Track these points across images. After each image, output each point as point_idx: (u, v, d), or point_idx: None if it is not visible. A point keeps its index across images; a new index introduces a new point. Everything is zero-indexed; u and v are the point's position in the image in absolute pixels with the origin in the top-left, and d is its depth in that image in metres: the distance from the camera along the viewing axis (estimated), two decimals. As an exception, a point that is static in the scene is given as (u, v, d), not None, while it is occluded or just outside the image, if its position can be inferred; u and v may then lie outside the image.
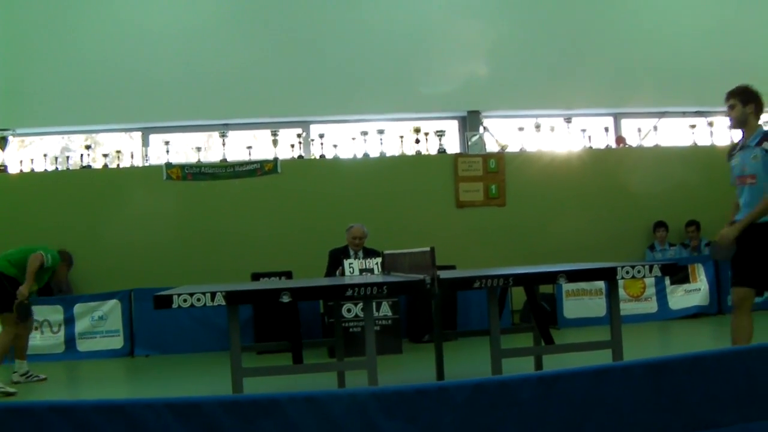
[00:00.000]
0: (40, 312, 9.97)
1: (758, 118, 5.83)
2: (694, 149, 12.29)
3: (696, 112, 12.71)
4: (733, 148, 5.99)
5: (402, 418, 2.02)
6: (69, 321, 10.07)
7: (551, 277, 5.63)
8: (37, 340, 9.88)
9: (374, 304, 9.12)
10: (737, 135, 6.05)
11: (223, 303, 5.23)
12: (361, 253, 9.66)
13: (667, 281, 10.84)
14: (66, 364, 9.76)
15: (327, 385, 6.67)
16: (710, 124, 12.46)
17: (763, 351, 2.84)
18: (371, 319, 5.47)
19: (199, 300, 5.22)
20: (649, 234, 11.99)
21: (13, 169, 11.36)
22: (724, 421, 2.46)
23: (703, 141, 12.43)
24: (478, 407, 2.07)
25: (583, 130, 12.30)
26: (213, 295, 5.21)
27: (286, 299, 5.27)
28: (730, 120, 5.85)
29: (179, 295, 5.21)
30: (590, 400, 2.16)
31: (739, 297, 5.81)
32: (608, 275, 5.73)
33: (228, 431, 2.04)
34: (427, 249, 5.37)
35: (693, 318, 10.69)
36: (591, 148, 12.23)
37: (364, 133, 11.75)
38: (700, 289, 10.84)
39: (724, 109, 11.49)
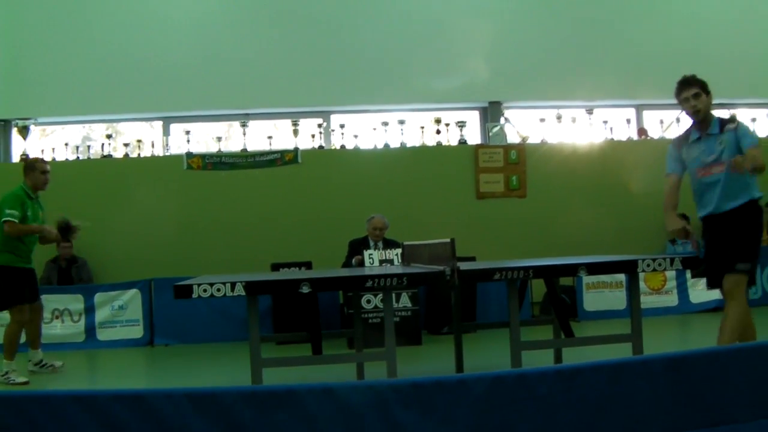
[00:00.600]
0: (60, 301, 10.10)
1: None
2: (717, 141, 12.19)
3: (718, 104, 12.53)
4: (685, 139, 5.88)
5: (419, 409, 2.01)
6: (89, 310, 10.12)
7: (572, 270, 5.61)
8: (57, 329, 9.99)
9: (394, 295, 9.20)
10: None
11: (243, 293, 5.26)
12: (381, 244, 9.65)
13: (688, 274, 10.76)
14: (86, 353, 9.82)
15: (346, 376, 6.68)
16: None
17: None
18: (390, 310, 5.48)
19: (219, 290, 5.25)
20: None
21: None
22: (743, 417, 2.43)
23: (726, 133, 12.33)
24: (495, 400, 2.06)
25: (605, 122, 12.23)
26: (233, 285, 5.23)
27: (305, 290, 5.28)
28: (693, 111, 5.70)
29: (199, 285, 5.25)
30: (608, 395, 2.14)
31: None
32: (629, 268, 5.70)
33: (246, 422, 2.05)
34: (448, 240, 5.35)
35: (713, 312, 10.57)
36: (612, 140, 12.15)
37: (385, 124, 11.73)
38: (721, 283, 10.77)
39: (749, 101, 11.38)
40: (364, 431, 2.02)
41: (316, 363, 6.14)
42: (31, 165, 7.96)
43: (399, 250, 8.29)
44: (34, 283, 7.92)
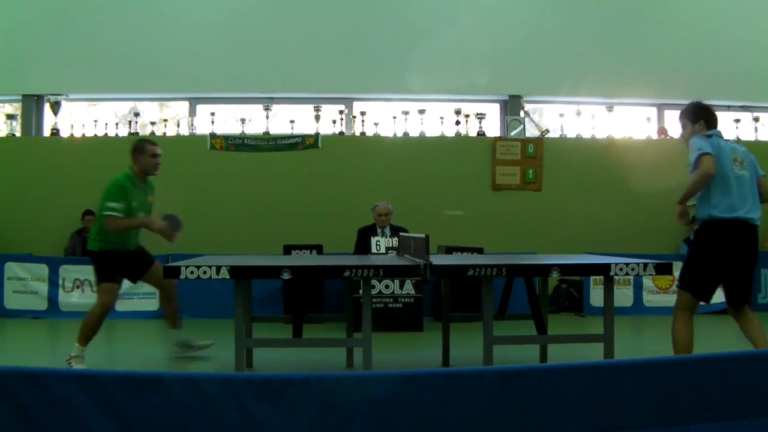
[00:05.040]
0: (82, 271, 10.48)
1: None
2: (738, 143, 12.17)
3: (742, 106, 12.57)
4: None
5: (269, 401, 2.26)
6: (109, 281, 10.49)
7: (545, 270, 5.78)
8: (76, 298, 10.40)
9: (398, 282, 9.45)
10: None
11: (228, 277, 5.55)
12: (388, 231, 9.89)
13: (699, 275, 10.84)
14: (104, 323, 10.13)
15: (337, 359, 6.92)
16: (755, 119, 12.33)
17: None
18: (369, 298, 5.71)
19: (205, 273, 5.56)
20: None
21: (64, 133, 11.88)
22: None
23: (747, 136, 12.30)
24: (336, 398, 2.29)
25: (625, 120, 12.29)
26: (218, 269, 5.52)
27: (286, 276, 5.54)
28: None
29: (187, 266, 5.54)
30: (441, 402, 2.34)
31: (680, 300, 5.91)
32: (602, 271, 5.86)
33: (121, 401, 2.33)
34: (422, 236, 5.55)
35: (720, 314, 10.63)
36: (631, 138, 12.21)
37: (405, 113, 11.92)
38: (729, 285, 10.81)
39: None
40: (220, 417, 2.29)
41: (296, 346, 6.40)
42: (139, 147, 7.20)
43: (402, 239, 8.51)
44: (137, 264, 7.31)
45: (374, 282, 9.35)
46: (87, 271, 10.41)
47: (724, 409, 2.81)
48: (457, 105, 12.19)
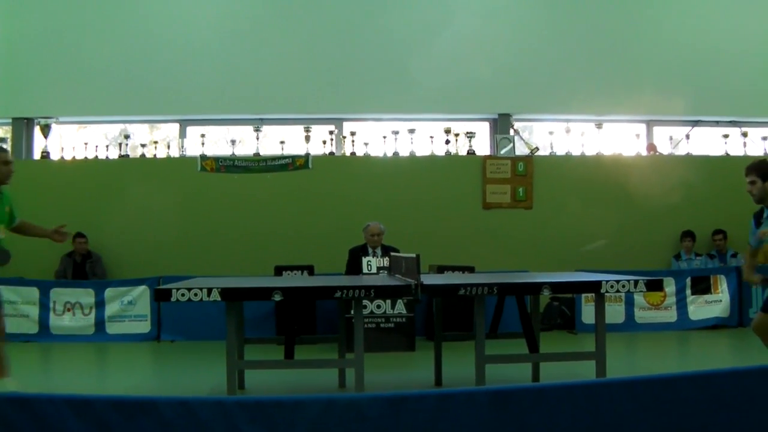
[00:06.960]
0: (73, 294, 10.47)
1: None
2: (727, 159, 12.20)
3: (730, 121, 12.64)
4: (760, 215, 6.22)
5: (263, 425, 2.26)
6: (100, 304, 10.47)
7: (536, 288, 5.80)
8: (67, 321, 10.37)
9: (389, 302, 9.43)
10: None
11: (219, 299, 5.55)
12: (379, 251, 9.89)
13: (689, 291, 10.89)
14: (95, 346, 10.17)
15: (329, 380, 6.90)
16: (744, 134, 12.40)
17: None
18: (361, 319, 5.70)
19: (196, 295, 5.55)
20: (676, 243, 11.97)
21: (54, 156, 11.86)
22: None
23: (736, 151, 12.36)
24: (329, 420, 2.29)
25: (614, 136, 12.34)
26: (209, 291, 5.52)
27: (278, 298, 5.54)
28: (751, 195, 6.13)
29: (178, 289, 5.54)
30: (434, 422, 2.34)
31: None
32: (593, 288, 5.86)
33: (114, 426, 2.33)
34: (413, 255, 5.55)
35: (712, 329, 10.66)
36: (621, 154, 12.26)
37: (395, 132, 11.95)
38: (721, 301, 10.83)
39: (759, 119, 11.81)
40: (213, 441, 2.29)
41: (288, 367, 6.38)
42: None
43: (394, 258, 8.50)
44: None
45: (366, 302, 9.33)
46: (78, 294, 10.49)
47: (717, 425, 2.81)
48: (447, 124, 12.22)
